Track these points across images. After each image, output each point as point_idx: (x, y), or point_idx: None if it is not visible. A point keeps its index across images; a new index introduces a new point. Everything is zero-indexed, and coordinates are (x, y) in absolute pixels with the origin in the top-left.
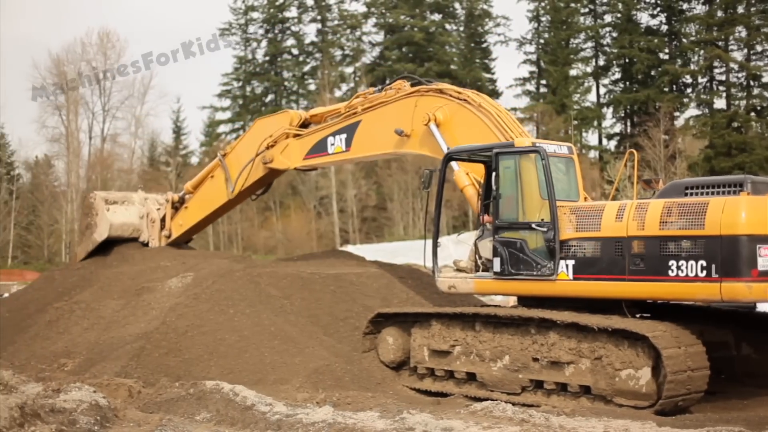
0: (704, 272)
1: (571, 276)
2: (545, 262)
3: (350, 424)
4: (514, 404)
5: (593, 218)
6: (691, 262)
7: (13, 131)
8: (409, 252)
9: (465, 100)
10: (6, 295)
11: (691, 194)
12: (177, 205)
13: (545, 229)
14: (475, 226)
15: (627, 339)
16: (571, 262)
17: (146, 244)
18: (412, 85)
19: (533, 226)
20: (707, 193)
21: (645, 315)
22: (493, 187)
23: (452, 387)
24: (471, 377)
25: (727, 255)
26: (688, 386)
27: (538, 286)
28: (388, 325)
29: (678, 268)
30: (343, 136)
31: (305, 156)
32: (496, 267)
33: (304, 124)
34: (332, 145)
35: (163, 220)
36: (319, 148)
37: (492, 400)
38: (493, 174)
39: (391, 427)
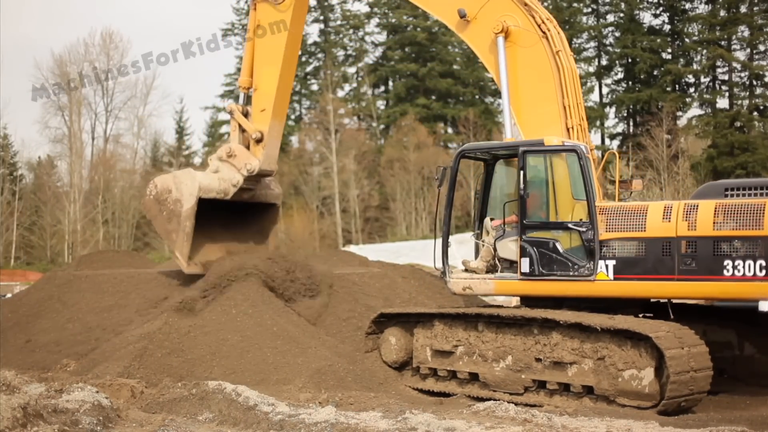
0: (763, 272)
1: (611, 276)
2: (583, 262)
3: (353, 424)
4: (516, 404)
5: (636, 218)
6: (749, 262)
7: (16, 132)
8: (412, 252)
9: (545, 34)
10: (9, 295)
11: (732, 195)
12: (245, 112)
13: (584, 229)
14: (477, 226)
15: (630, 339)
16: (611, 263)
17: (239, 198)
18: None
19: (570, 225)
20: (751, 195)
21: (648, 315)
22: (520, 186)
23: (455, 387)
24: (474, 377)
25: None
26: (691, 387)
27: (575, 286)
28: (391, 325)
29: (734, 267)
30: None
31: None
32: (525, 267)
33: None
34: None
35: (245, 142)
36: None
37: (495, 400)
38: (520, 173)
39: (393, 427)
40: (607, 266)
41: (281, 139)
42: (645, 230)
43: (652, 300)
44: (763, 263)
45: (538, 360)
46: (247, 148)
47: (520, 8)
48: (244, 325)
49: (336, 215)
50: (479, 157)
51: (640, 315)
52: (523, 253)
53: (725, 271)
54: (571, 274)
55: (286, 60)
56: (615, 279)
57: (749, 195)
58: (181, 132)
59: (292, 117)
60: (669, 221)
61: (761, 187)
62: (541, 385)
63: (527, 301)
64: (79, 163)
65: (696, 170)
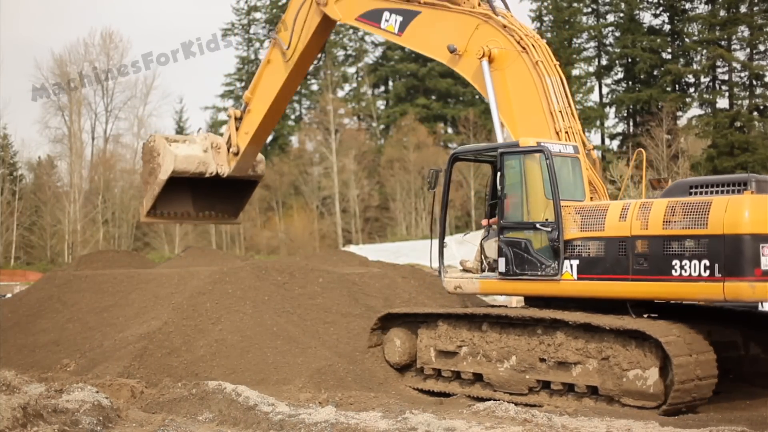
0: (707, 272)
1: (575, 276)
2: (549, 262)
3: (353, 424)
4: (516, 404)
5: (597, 218)
6: (695, 262)
7: (16, 132)
8: (412, 252)
9: (525, 48)
10: (9, 295)
11: (696, 193)
12: (239, 124)
13: (549, 229)
14: (479, 226)
15: (635, 339)
16: (575, 262)
17: (216, 177)
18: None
19: (538, 226)
20: (712, 192)
21: (653, 315)
22: (498, 187)
23: (456, 387)
24: (477, 378)
25: (730, 254)
26: (695, 394)
27: (543, 286)
28: (395, 326)
29: (681, 267)
30: (399, 18)
31: (358, 17)
32: (501, 267)
33: None
34: (386, 21)
35: (229, 144)
36: (373, 17)
37: (495, 400)
38: (498, 174)
39: (393, 427)
40: (571, 266)
41: (254, 157)
42: (604, 230)
43: (656, 300)
44: (707, 263)
45: (543, 360)
46: (228, 148)
47: (500, 31)
48: (244, 325)
49: (336, 215)
50: (479, 159)
51: (645, 315)
52: (500, 253)
53: (673, 271)
54: (539, 274)
55: (276, 101)
56: (579, 279)
57: (713, 193)
58: (181, 132)
59: (292, 117)
60: (625, 220)
61: (725, 184)
62: (545, 385)
63: (530, 300)
64: (79, 163)
65: (696, 170)
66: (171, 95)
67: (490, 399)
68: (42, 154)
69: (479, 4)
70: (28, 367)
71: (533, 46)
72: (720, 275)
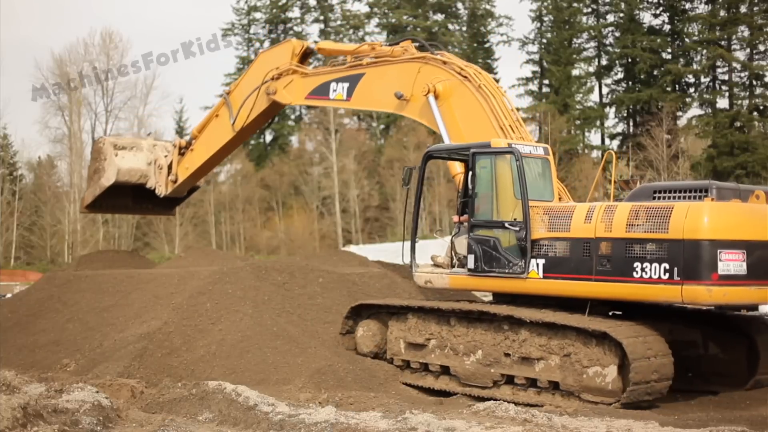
0: (667, 275)
1: (541, 275)
2: (517, 260)
3: (353, 424)
4: (516, 404)
5: (564, 219)
6: (655, 265)
7: (16, 132)
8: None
9: (466, 77)
10: (9, 295)
11: (659, 198)
12: (184, 151)
13: (517, 229)
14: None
15: (595, 337)
16: (541, 261)
17: (153, 191)
18: (419, 49)
19: (506, 225)
20: (674, 198)
21: (617, 312)
22: (470, 186)
23: (455, 386)
24: (445, 370)
25: (688, 259)
26: (651, 389)
27: (510, 283)
28: (366, 317)
29: (642, 270)
30: (346, 84)
31: (307, 95)
32: (471, 264)
33: (306, 54)
34: (334, 91)
35: (170, 166)
36: (321, 91)
37: (495, 399)
38: (470, 173)
39: (393, 427)
40: (537, 265)
41: (191, 186)
42: (569, 231)
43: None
44: (667, 266)
45: (507, 355)
46: (169, 171)
47: (441, 68)
48: (244, 325)
49: (336, 215)
50: (452, 157)
51: (610, 313)
52: (469, 249)
53: (635, 273)
54: (506, 271)
55: (217, 153)
56: (544, 278)
57: (675, 198)
58: (181, 132)
59: (292, 117)
60: (590, 222)
61: (687, 189)
62: (509, 379)
63: (497, 296)
64: (79, 163)
65: (696, 170)
66: (171, 95)
67: (490, 398)
68: (42, 154)
69: (417, 50)
70: (28, 367)
71: (474, 75)
72: (679, 278)
